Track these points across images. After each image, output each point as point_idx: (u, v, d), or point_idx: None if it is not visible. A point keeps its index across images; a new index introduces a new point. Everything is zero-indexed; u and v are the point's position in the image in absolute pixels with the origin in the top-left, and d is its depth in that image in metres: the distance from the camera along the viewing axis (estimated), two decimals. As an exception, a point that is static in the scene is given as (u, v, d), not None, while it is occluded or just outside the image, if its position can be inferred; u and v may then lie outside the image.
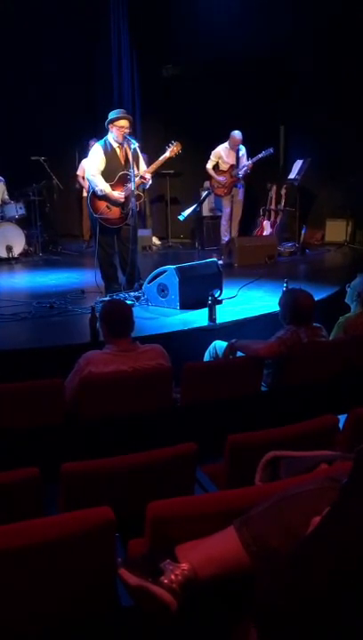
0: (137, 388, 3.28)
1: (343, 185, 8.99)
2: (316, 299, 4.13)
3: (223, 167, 8.47)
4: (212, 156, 8.50)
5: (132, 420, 3.02)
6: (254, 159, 8.23)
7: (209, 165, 8.52)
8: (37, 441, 2.78)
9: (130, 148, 5.92)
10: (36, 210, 8.87)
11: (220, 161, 8.47)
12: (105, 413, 3.13)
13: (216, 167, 8.52)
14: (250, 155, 8.34)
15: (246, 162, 8.33)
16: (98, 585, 1.70)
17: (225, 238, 8.68)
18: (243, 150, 8.40)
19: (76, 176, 9.78)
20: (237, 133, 8.29)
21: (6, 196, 8.86)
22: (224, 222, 8.72)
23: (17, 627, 1.63)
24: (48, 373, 3.32)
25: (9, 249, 8.43)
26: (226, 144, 8.41)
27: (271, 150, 8.21)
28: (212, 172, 8.51)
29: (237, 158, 8.37)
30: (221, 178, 8.42)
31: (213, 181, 8.55)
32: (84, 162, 9.65)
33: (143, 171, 6.12)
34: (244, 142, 8.44)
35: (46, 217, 9.38)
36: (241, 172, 8.34)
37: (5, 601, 1.60)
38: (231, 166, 8.40)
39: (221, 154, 8.44)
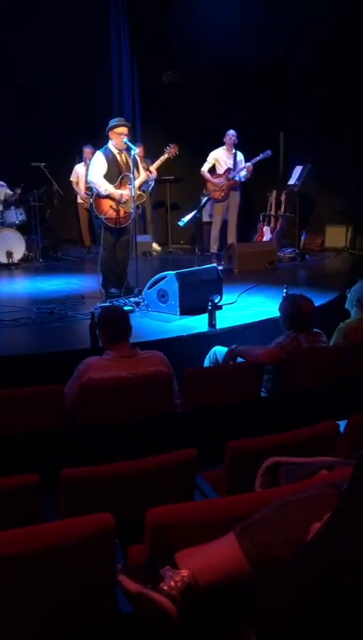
0: (137, 394, 3.27)
1: (343, 191, 9.00)
2: (316, 304, 4.14)
3: (220, 170, 8.47)
4: (209, 158, 8.49)
5: (131, 426, 3.02)
6: (253, 161, 8.24)
7: (205, 168, 8.49)
8: (37, 447, 2.78)
9: (129, 155, 6.07)
10: (37, 216, 8.87)
11: (217, 163, 8.47)
12: (105, 419, 3.13)
13: (212, 171, 8.52)
14: (248, 159, 8.36)
15: (244, 164, 8.34)
16: (97, 591, 1.70)
17: (214, 247, 8.67)
18: (241, 156, 8.43)
19: (71, 182, 9.79)
20: (231, 130, 8.36)
21: (9, 191, 8.87)
22: (215, 231, 8.69)
23: (16, 633, 1.63)
24: (48, 379, 3.32)
25: (9, 254, 8.43)
26: (223, 146, 8.45)
27: (269, 152, 8.23)
28: (207, 175, 8.48)
29: (235, 162, 8.38)
30: (217, 180, 8.43)
31: (210, 184, 8.55)
32: (77, 167, 9.70)
33: (150, 167, 6.44)
34: (244, 148, 8.46)
35: (46, 223, 9.38)
36: (242, 175, 8.35)
37: (4, 607, 1.59)
38: (228, 169, 8.40)
39: (220, 156, 8.44)
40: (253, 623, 1.48)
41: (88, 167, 7.06)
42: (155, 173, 6.44)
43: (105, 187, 6.02)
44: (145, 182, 6.45)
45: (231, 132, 8.37)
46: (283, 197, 9.39)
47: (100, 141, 6.54)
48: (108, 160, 6.07)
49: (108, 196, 6.05)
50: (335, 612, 1.25)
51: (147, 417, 3.17)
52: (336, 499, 1.45)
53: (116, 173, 6.08)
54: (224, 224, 8.72)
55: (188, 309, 5.66)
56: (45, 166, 9.06)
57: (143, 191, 6.67)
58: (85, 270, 8.07)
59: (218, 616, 1.66)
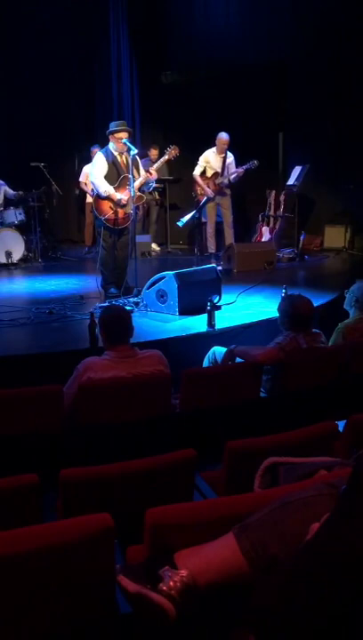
0: (136, 395, 3.27)
1: (342, 191, 9.01)
2: (315, 305, 4.13)
3: (208, 173, 8.45)
4: (200, 161, 8.43)
5: (131, 427, 3.02)
6: (242, 168, 8.16)
7: (197, 172, 8.44)
8: (36, 447, 2.78)
9: (129, 156, 6.09)
10: (36, 216, 8.88)
11: (207, 166, 8.45)
12: (104, 420, 3.13)
13: (203, 173, 8.49)
14: (239, 162, 8.28)
15: (233, 169, 8.28)
16: (97, 592, 1.70)
17: (212, 246, 8.67)
18: (231, 158, 8.36)
19: (79, 183, 9.82)
20: (223, 134, 8.26)
21: (11, 191, 8.86)
22: (209, 229, 8.69)
23: (16, 633, 1.63)
24: (47, 379, 3.32)
25: (8, 255, 8.44)
26: (213, 148, 8.39)
27: (256, 162, 8.14)
28: (199, 180, 8.44)
29: (224, 166, 8.35)
30: (206, 188, 8.39)
31: (198, 188, 8.53)
32: (85, 168, 9.73)
33: (150, 169, 6.47)
34: (242, 149, 8.44)
35: (46, 223, 9.39)
36: (232, 178, 8.30)
37: (3, 607, 1.59)
38: (216, 174, 8.37)
39: (210, 158, 8.40)
40: (252, 623, 1.48)
41: None
42: (155, 175, 6.48)
43: (105, 187, 6.10)
44: (145, 183, 6.47)
45: (224, 136, 8.25)
46: (282, 198, 9.38)
47: (102, 141, 6.59)
48: (108, 161, 6.14)
49: (108, 198, 6.12)
50: (335, 613, 1.25)
51: (146, 417, 3.18)
52: (335, 499, 1.45)
53: (115, 174, 6.15)
54: (220, 224, 8.71)
55: (187, 309, 5.66)
56: (45, 166, 9.07)
57: (143, 192, 6.69)
58: (85, 270, 8.08)
59: (217, 616, 1.66)
